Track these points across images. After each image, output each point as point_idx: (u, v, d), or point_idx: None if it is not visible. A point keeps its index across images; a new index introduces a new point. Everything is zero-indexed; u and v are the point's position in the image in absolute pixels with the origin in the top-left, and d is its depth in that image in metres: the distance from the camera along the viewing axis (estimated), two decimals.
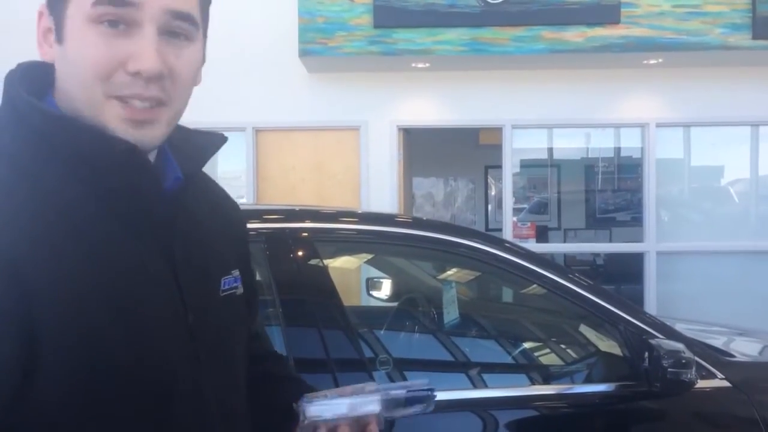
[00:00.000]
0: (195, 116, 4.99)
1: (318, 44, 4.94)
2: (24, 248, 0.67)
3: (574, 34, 4.89)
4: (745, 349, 2.58)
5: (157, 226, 0.78)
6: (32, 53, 0.84)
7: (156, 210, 0.78)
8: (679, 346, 1.82)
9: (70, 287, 0.68)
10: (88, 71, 0.73)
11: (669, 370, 1.74)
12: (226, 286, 0.87)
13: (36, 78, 0.79)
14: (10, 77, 0.78)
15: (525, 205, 7.53)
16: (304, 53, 4.96)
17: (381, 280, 3.03)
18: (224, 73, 5.43)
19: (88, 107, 0.74)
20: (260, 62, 5.42)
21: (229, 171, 5.93)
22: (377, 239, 2.11)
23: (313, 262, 1.91)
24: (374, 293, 3.07)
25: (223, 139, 0.90)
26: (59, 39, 0.75)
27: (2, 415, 0.65)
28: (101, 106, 0.74)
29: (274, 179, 5.54)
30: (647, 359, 1.84)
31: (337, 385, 1.72)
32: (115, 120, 0.74)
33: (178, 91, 0.77)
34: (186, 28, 0.77)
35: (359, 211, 3.14)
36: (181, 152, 0.84)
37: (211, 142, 0.89)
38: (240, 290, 0.90)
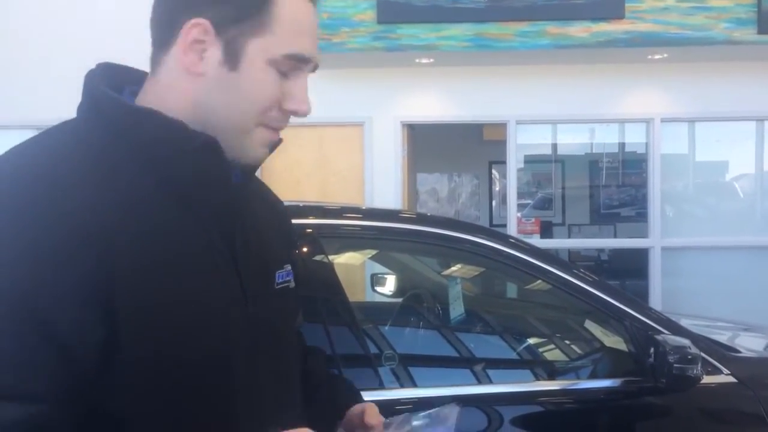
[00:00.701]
0: None
1: (322, 40, 4.93)
2: (109, 232, 0.72)
3: (579, 30, 4.87)
4: (750, 344, 2.58)
5: (222, 217, 0.83)
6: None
7: (224, 201, 0.83)
8: (685, 341, 1.82)
9: (146, 272, 0.73)
10: (257, 105, 0.82)
11: (675, 365, 1.74)
12: (280, 280, 0.92)
13: (112, 76, 0.86)
14: (91, 75, 0.84)
15: (529, 201, 7.52)
16: None
17: (386, 276, 3.03)
18: None
19: (236, 128, 0.83)
20: None
21: None
22: (382, 235, 2.11)
23: (318, 258, 1.91)
24: (379, 289, 3.07)
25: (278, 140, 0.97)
26: (232, 66, 0.81)
27: (84, 393, 0.70)
28: (250, 130, 0.83)
29: (278, 175, 5.54)
30: (653, 355, 1.84)
31: None
32: (260, 143, 0.85)
33: None
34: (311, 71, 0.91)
35: (364, 207, 3.14)
36: None
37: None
38: (292, 284, 0.95)
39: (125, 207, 0.75)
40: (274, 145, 0.87)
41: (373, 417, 0.94)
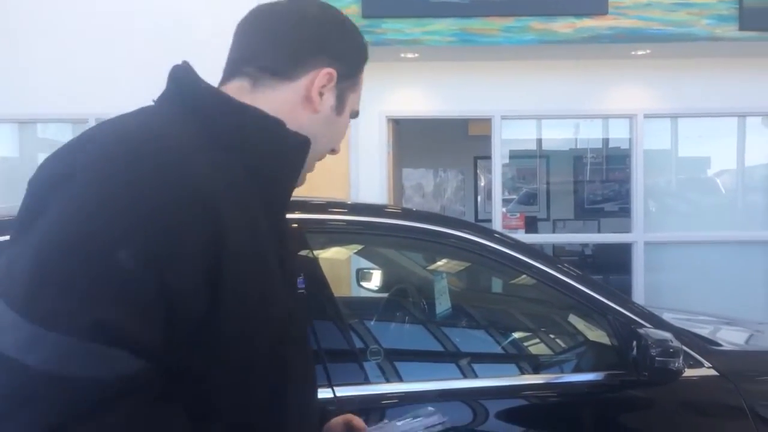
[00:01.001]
0: None
1: None
2: (221, 208, 0.77)
3: (563, 25, 4.89)
4: (731, 338, 2.61)
5: (282, 218, 0.95)
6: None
7: (288, 202, 0.96)
8: (667, 335, 1.84)
9: (245, 256, 0.79)
10: (337, 143, 1.02)
11: (657, 359, 1.76)
12: (301, 286, 1.02)
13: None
14: (185, 72, 0.93)
15: (514, 196, 7.55)
16: None
17: (371, 270, 3.03)
18: (213, 65, 5.38)
19: (318, 156, 1.00)
20: None
21: None
22: (367, 230, 2.11)
23: (303, 253, 1.91)
24: (365, 284, 3.07)
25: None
26: (339, 112, 0.98)
27: (189, 345, 0.74)
28: (313, 153, 0.97)
29: None
30: (635, 348, 1.86)
31: (328, 377, 1.73)
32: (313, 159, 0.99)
33: None
34: None
35: (349, 202, 3.14)
36: None
37: None
38: (305, 292, 1.05)
39: (230, 189, 0.80)
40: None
41: (360, 423, 1.03)
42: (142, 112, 0.86)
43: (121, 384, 0.67)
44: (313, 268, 1.89)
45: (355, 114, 1.03)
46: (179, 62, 0.95)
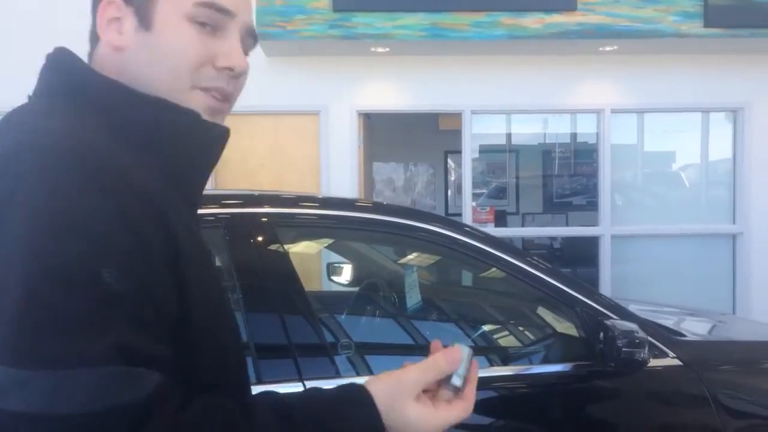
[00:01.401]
0: None
1: (276, 27, 4.87)
2: (164, 206, 0.74)
3: (533, 21, 4.93)
4: (695, 328, 2.67)
5: (197, 206, 0.89)
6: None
7: (202, 190, 0.89)
8: (633, 326, 1.87)
9: (192, 251, 0.76)
10: (183, 62, 0.80)
11: (623, 349, 1.79)
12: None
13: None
14: (71, 60, 0.82)
15: (484, 190, 7.60)
16: (262, 37, 4.86)
17: (342, 265, 3.03)
18: None
19: (172, 94, 0.80)
20: None
21: None
22: (338, 224, 2.11)
23: (273, 247, 1.90)
24: (335, 278, 3.06)
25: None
26: (146, 27, 0.80)
27: (170, 344, 0.70)
28: (186, 94, 0.81)
29: (233, 164, 5.47)
30: (602, 339, 1.89)
31: (298, 371, 1.73)
32: (198, 107, 0.82)
33: (240, 91, 0.87)
34: (251, 43, 0.88)
35: (320, 196, 3.12)
36: None
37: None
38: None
39: (161, 190, 0.76)
40: (213, 112, 0.83)
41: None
42: (39, 111, 0.76)
43: (151, 400, 0.64)
44: (283, 262, 1.88)
45: (222, 10, 0.82)
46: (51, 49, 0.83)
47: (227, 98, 0.85)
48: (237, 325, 0.92)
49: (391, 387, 0.77)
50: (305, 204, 2.16)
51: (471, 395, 0.82)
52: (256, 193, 2.20)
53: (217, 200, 2.03)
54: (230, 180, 5.40)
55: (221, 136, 0.85)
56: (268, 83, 5.38)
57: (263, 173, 5.45)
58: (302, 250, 2.46)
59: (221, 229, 1.86)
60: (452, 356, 0.80)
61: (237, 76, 0.84)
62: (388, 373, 0.79)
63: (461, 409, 0.80)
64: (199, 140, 0.82)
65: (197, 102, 0.81)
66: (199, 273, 0.77)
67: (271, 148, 5.49)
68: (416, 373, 0.78)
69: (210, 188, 5.67)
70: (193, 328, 0.75)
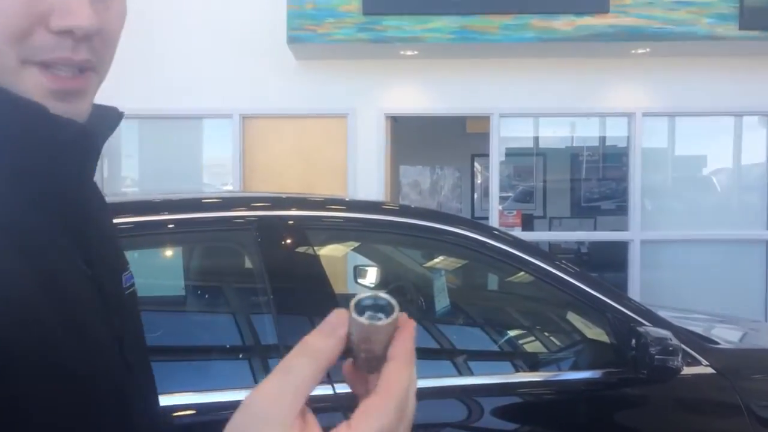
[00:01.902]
0: (182, 102, 4.97)
1: (306, 31, 4.90)
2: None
3: (563, 23, 4.88)
4: (727, 335, 2.62)
5: (78, 218, 0.65)
6: None
7: (82, 199, 0.65)
8: (666, 333, 1.84)
9: (21, 303, 0.54)
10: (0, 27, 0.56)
11: (656, 357, 1.76)
12: (127, 283, 0.74)
13: None
14: None
15: (511, 194, 7.55)
16: (292, 40, 4.92)
17: (369, 267, 3.02)
18: (212, 59, 5.38)
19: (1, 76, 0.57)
20: (248, 49, 5.38)
21: (215, 158, 5.89)
22: (365, 227, 2.11)
23: (302, 249, 1.90)
24: (362, 281, 3.06)
25: (119, 114, 0.71)
26: None
27: None
28: (15, 74, 0.57)
29: (261, 167, 5.51)
30: (634, 346, 1.85)
31: (327, 373, 1.72)
32: (36, 93, 0.58)
33: (108, 53, 0.62)
34: None
35: (347, 199, 3.13)
36: None
37: (105, 116, 0.69)
38: (135, 287, 0.77)
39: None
40: (62, 94, 0.59)
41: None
42: None
43: None
44: (313, 264, 1.89)
45: None
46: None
47: (83, 70, 0.60)
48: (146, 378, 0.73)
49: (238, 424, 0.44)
50: (332, 207, 2.16)
51: (393, 383, 0.44)
52: (283, 195, 2.21)
53: (246, 203, 2.04)
54: (258, 183, 5.44)
55: (81, 133, 0.60)
56: (297, 86, 5.41)
57: (290, 176, 5.47)
58: (329, 253, 2.46)
59: (253, 231, 1.87)
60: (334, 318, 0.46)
61: (83, 39, 0.58)
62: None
63: (375, 410, 0.43)
64: (47, 139, 0.59)
65: (29, 83, 0.57)
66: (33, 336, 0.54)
67: (298, 151, 5.52)
68: (276, 379, 0.44)
69: (238, 191, 5.72)
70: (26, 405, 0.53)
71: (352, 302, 0.44)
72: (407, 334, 0.46)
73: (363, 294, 0.44)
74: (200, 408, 1.68)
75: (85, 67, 0.60)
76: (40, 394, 0.53)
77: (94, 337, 0.61)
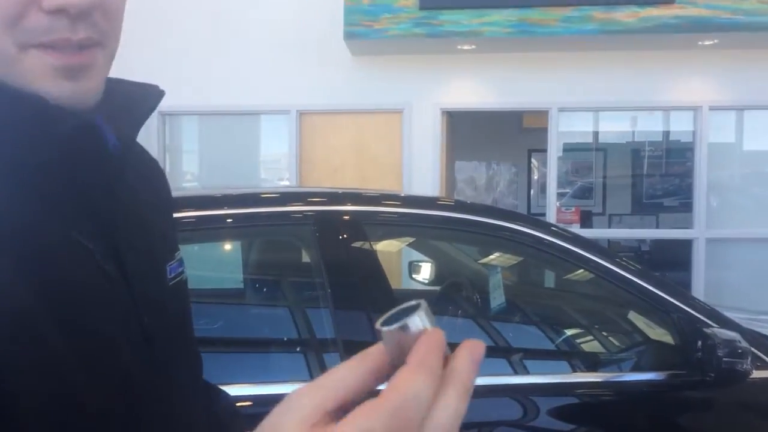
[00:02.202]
0: (241, 99, 5.06)
1: (363, 26, 4.91)
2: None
3: (626, 15, 4.75)
4: None
5: (100, 212, 0.61)
6: None
7: (103, 194, 0.61)
8: (734, 335, 1.77)
9: (17, 315, 0.50)
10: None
11: (724, 359, 1.70)
12: (173, 273, 0.70)
13: None
14: None
15: (568, 190, 7.40)
16: (349, 36, 4.94)
17: (423, 263, 3.01)
18: (269, 55, 5.45)
19: (3, 67, 0.54)
20: (305, 45, 5.43)
21: (272, 154, 5.98)
22: (420, 222, 2.10)
23: (360, 244, 1.91)
24: (416, 277, 3.06)
25: (160, 93, 0.68)
26: None
27: None
28: (16, 60, 0.53)
29: (317, 162, 5.56)
30: (700, 348, 1.79)
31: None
32: (41, 73, 0.54)
33: (113, 26, 0.58)
34: None
35: (402, 194, 3.12)
36: (110, 110, 0.62)
37: (145, 95, 0.67)
38: (185, 275, 0.74)
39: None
40: (69, 71, 0.55)
41: None
42: None
43: None
44: (370, 259, 1.89)
45: None
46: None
47: (86, 45, 0.55)
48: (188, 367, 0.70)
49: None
50: (388, 202, 2.16)
51: (391, 390, 0.39)
52: (339, 191, 2.22)
53: (304, 198, 2.06)
54: (314, 178, 5.49)
55: (84, 125, 0.56)
56: (353, 82, 5.43)
57: (346, 172, 5.51)
58: (384, 248, 2.46)
59: (311, 225, 1.88)
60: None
61: (79, 16, 0.54)
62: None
63: (361, 416, 0.38)
64: (47, 134, 0.55)
65: (33, 65, 0.54)
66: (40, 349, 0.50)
67: (354, 146, 5.55)
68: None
69: (295, 186, 5.78)
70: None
71: (379, 320, 0.41)
72: (427, 340, 0.41)
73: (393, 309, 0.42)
74: (257, 400, 1.70)
75: (85, 44, 0.55)
76: (37, 407, 0.50)
77: (105, 345, 0.56)
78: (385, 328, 0.41)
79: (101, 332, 0.56)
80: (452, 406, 0.40)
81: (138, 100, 0.66)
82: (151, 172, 0.77)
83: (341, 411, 0.40)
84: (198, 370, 0.76)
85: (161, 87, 0.70)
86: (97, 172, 0.59)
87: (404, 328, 0.40)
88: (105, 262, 0.59)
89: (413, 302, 0.41)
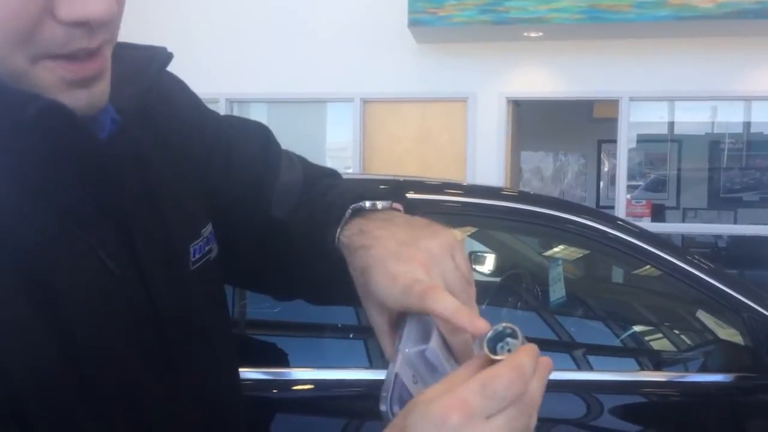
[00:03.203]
0: (307, 87, 5.11)
1: (428, 14, 4.88)
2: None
3: (702, 0, 4.54)
4: None
5: (103, 199, 0.56)
6: None
7: (98, 180, 0.55)
8: None
9: (8, 323, 0.47)
10: (3, 27, 0.48)
11: None
12: (198, 255, 0.65)
13: None
14: None
15: (640, 183, 7.17)
16: (413, 23, 4.92)
17: (485, 254, 2.98)
18: (333, 44, 5.49)
19: (11, 80, 0.50)
20: (369, 33, 5.44)
21: (336, 142, 6.03)
22: (483, 213, 2.07)
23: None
24: (478, 267, 3.03)
25: (167, 55, 0.64)
26: None
27: None
28: (26, 73, 0.50)
29: (381, 150, 5.57)
30: None
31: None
32: (53, 86, 0.51)
33: (121, 15, 0.54)
34: None
35: (464, 184, 3.10)
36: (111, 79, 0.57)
37: (150, 59, 0.63)
38: (215, 251, 0.68)
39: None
40: (82, 83, 0.51)
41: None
42: None
43: None
44: None
45: None
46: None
47: (95, 54, 0.52)
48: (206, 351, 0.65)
49: None
50: (450, 191, 2.15)
51: (485, 372, 0.45)
52: (400, 178, 2.22)
53: (362, 184, 2.06)
54: (377, 165, 5.51)
55: (48, 107, 0.50)
56: (417, 70, 5.41)
57: (409, 160, 5.50)
58: None
59: None
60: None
61: (98, 27, 0.50)
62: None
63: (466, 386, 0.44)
64: (19, 120, 0.50)
65: (47, 78, 0.50)
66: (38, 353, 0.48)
67: (417, 135, 5.53)
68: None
69: (358, 173, 5.82)
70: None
71: (486, 346, 0.47)
72: (525, 349, 0.48)
73: (490, 333, 0.48)
74: (318, 384, 1.73)
75: (95, 53, 0.52)
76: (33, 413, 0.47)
77: (103, 354, 0.52)
78: (498, 358, 0.47)
79: (98, 341, 0.52)
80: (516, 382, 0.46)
81: (143, 67, 0.62)
82: (174, 132, 0.68)
83: None
84: (230, 352, 0.71)
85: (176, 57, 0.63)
86: (84, 155, 0.54)
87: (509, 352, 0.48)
88: (111, 257, 0.54)
89: (504, 325, 0.49)
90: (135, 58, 0.61)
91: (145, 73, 0.62)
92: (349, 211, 0.62)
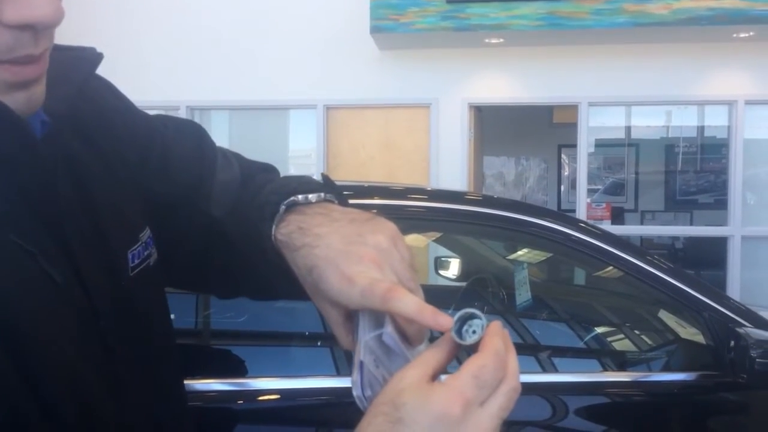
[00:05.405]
0: (269, 94, 5.07)
1: (390, 20, 4.88)
2: None
3: (659, 6, 4.65)
4: None
5: (39, 207, 0.54)
6: None
7: (34, 181, 0.53)
8: None
9: None
10: None
11: (757, 360, 1.65)
12: (137, 261, 0.63)
13: None
14: None
15: (600, 186, 7.30)
16: (375, 30, 4.92)
17: (450, 259, 2.99)
18: (295, 50, 5.46)
19: None
20: (331, 39, 5.43)
21: (299, 149, 5.99)
22: (447, 217, 2.07)
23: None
24: (443, 272, 3.03)
25: (96, 56, 0.62)
26: None
27: None
28: None
29: (345, 156, 5.56)
30: (732, 348, 1.74)
31: None
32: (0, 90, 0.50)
33: (53, 37, 0.54)
34: None
35: (429, 188, 3.10)
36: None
37: (78, 61, 0.61)
38: (154, 256, 0.66)
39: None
40: (21, 85, 0.50)
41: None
42: None
43: None
44: None
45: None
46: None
47: (35, 59, 0.51)
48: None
49: None
50: (414, 196, 2.14)
51: (472, 360, 0.50)
52: (365, 184, 2.21)
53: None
54: (341, 172, 5.49)
55: None
56: (380, 76, 5.42)
57: (373, 166, 5.49)
58: (410, 243, 2.44)
59: None
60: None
61: (43, 31, 0.50)
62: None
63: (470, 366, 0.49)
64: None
65: None
66: None
67: (381, 140, 5.53)
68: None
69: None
70: None
71: (454, 336, 0.52)
72: (494, 330, 0.52)
73: (455, 326, 0.52)
74: (283, 393, 1.70)
75: (37, 58, 0.51)
76: None
77: (48, 362, 0.50)
78: (465, 343, 0.51)
79: (43, 347, 0.50)
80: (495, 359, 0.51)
81: (72, 68, 0.60)
82: (104, 135, 0.65)
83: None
84: (173, 358, 0.70)
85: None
86: (22, 156, 0.52)
87: (474, 335, 0.52)
88: (51, 265, 0.52)
89: (470, 311, 0.52)
90: (64, 58, 0.59)
91: (74, 74, 0.60)
92: (283, 207, 0.62)
